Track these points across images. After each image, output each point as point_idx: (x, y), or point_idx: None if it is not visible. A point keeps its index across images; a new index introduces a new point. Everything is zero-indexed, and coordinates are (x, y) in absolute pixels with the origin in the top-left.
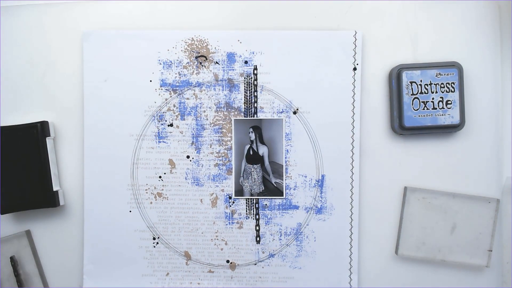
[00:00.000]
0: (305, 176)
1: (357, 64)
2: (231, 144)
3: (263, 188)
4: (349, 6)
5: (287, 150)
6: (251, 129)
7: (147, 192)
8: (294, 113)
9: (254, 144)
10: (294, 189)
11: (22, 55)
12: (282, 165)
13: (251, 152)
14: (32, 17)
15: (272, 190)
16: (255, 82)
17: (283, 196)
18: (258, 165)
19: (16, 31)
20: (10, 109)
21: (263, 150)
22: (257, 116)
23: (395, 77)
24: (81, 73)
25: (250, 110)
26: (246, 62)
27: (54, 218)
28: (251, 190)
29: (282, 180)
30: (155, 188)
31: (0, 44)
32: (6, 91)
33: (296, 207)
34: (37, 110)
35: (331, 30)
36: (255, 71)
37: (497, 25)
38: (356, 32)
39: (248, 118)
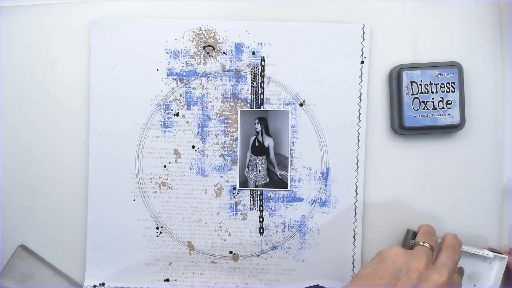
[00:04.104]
0: (310, 169)
1: (365, 58)
2: (237, 135)
3: (268, 179)
4: (349, 6)
5: (293, 142)
6: (257, 120)
7: (151, 181)
8: (301, 105)
9: (260, 136)
10: (299, 182)
11: (23, 54)
12: (287, 157)
13: (257, 144)
14: (33, 16)
15: (277, 182)
16: (262, 73)
17: (287, 188)
18: (263, 157)
19: (17, 31)
20: (10, 108)
21: (268, 141)
22: (263, 108)
23: (395, 77)
24: (87, 63)
25: (257, 101)
26: (253, 53)
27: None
28: (256, 181)
29: (287, 172)
30: (159, 177)
31: (0, 44)
32: (6, 91)
33: (301, 200)
34: (40, 108)
35: (338, 23)
36: (263, 62)
37: (497, 25)
38: (364, 25)
39: (254, 109)
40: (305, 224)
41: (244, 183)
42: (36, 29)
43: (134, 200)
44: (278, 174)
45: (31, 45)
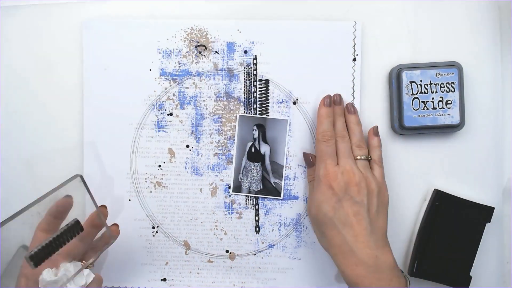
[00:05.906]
0: (305, 167)
1: (357, 55)
2: (231, 133)
3: (262, 186)
4: (350, 6)
5: (288, 141)
6: (255, 127)
7: (146, 181)
8: (294, 103)
9: (257, 142)
10: (294, 180)
11: (20, 54)
12: (283, 166)
13: (253, 150)
14: (29, 17)
15: (270, 189)
16: (255, 72)
17: (280, 197)
18: (259, 163)
19: (15, 31)
20: (7, 108)
21: (265, 148)
22: (256, 107)
23: (395, 77)
24: (80, 64)
25: (250, 100)
26: (245, 51)
27: None
28: (250, 187)
29: (281, 180)
30: (154, 177)
31: (0, 44)
32: (4, 91)
33: (296, 198)
34: (34, 109)
35: (332, 20)
36: (255, 61)
37: (497, 25)
38: (355, 23)
39: (253, 115)
40: (301, 222)
41: (237, 188)
42: (32, 30)
43: (129, 200)
44: (272, 182)
45: (27, 46)
